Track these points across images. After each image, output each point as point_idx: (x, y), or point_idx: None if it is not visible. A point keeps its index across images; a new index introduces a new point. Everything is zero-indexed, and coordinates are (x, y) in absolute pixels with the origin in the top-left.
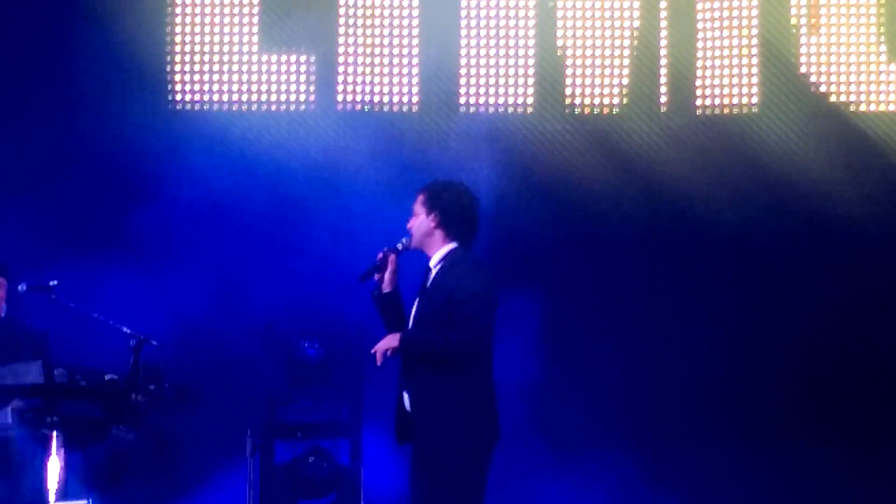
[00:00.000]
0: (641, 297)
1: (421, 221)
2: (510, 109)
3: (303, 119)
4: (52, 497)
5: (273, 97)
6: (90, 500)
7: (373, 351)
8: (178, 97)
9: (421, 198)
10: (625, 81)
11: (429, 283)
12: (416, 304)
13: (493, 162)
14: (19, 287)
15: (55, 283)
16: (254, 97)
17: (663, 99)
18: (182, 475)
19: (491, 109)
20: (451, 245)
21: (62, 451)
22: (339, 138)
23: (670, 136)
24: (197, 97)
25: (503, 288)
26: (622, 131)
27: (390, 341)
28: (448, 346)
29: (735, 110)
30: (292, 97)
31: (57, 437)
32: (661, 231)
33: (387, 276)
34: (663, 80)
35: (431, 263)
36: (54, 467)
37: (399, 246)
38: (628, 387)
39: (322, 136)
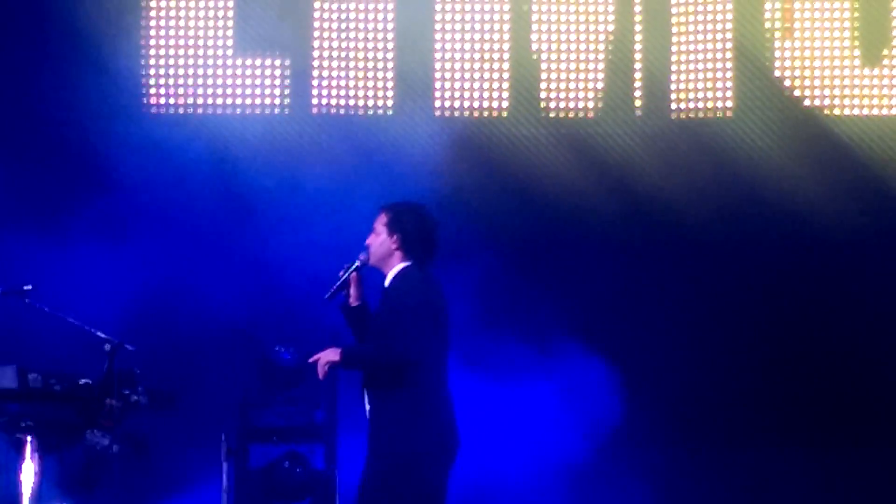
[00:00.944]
0: (615, 300)
1: (382, 241)
2: (485, 113)
3: (277, 123)
4: (26, 501)
5: (248, 101)
6: None
7: (311, 360)
8: (153, 100)
9: (384, 217)
10: (600, 85)
11: (380, 301)
12: None
13: (469, 166)
14: None
15: (29, 287)
16: (228, 101)
17: (638, 103)
18: (157, 479)
19: (466, 113)
20: (406, 263)
21: (36, 455)
22: (313, 142)
23: (645, 140)
24: (171, 101)
25: (480, 288)
26: (597, 135)
27: (331, 355)
28: (381, 356)
29: (710, 114)
30: (267, 101)
31: (31, 441)
32: (635, 234)
33: (352, 291)
34: (638, 84)
35: (386, 282)
36: (29, 472)
37: (357, 262)
38: (599, 391)
39: (297, 139)
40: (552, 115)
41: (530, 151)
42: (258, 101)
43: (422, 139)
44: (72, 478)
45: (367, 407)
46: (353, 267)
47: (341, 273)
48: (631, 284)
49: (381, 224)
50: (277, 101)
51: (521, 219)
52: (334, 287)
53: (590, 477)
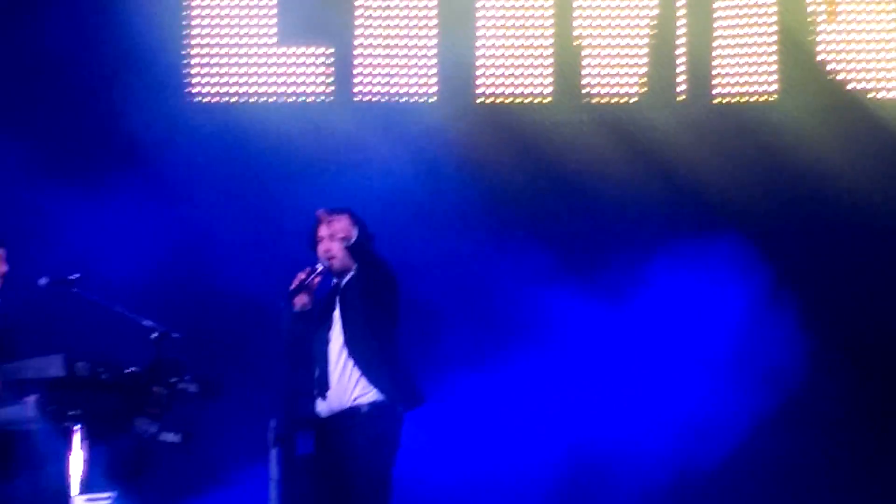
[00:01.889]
0: (658, 287)
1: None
2: (527, 100)
3: (320, 111)
4: (75, 490)
5: (291, 89)
6: (114, 493)
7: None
8: (196, 90)
9: (347, 224)
10: (642, 71)
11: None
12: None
13: (511, 153)
14: (40, 281)
15: (77, 276)
16: (271, 89)
17: (681, 88)
18: (204, 467)
19: (508, 100)
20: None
21: (85, 444)
22: (356, 130)
23: (688, 125)
24: (214, 90)
25: (521, 277)
26: (639, 121)
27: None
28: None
29: (753, 99)
30: (310, 89)
31: (79, 430)
32: (678, 220)
33: (307, 296)
34: (681, 68)
35: (345, 279)
36: (77, 460)
37: (319, 267)
38: (637, 384)
39: (339, 128)
40: (594, 100)
41: (572, 138)
42: (301, 89)
43: (464, 126)
44: (120, 466)
45: None
46: (318, 271)
47: (302, 276)
48: (673, 271)
49: (344, 231)
50: (320, 90)
51: (563, 206)
52: (299, 285)
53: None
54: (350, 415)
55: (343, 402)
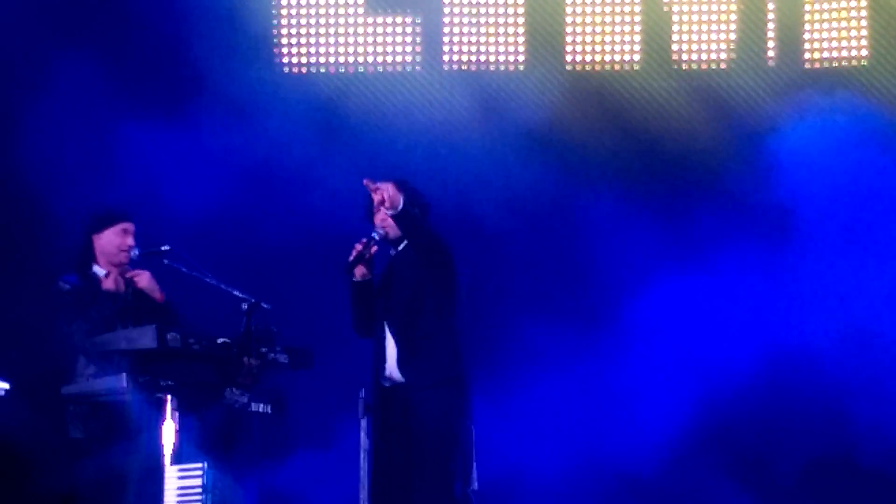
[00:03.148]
0: (751, 253)
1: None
2: (616, 66)
3: (408, 80)
4: (167, 460)
5: (379, 59)
6: (205, 464)
7: (373, 185)
8: (285, 60)
9: (390, 184)
10: (732, 36)
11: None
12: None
13: (600, 120)
14: (131, 253)
15: (167, 248)
16: (360, 59)
17: (771, 53)
18: (295, 437)
19: (597, 67)
20: None
21: (176, 414)
22: (444, 99)
23: (778, 90)
24: (303, 60)
25: (613, 242)
26: (729, 86)
27: (395, 192)
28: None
29: (844, 63)
30: (398, 58)
31: (171, 400)
32: (770, 186)
33: (367, 266)
34: (771, 34)
35: (400, 247)
36: (169, 431)
37: (375, 237)
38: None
39: (428, 97)
40: (684, 66)
41: (662, 104)
42: (389, 58)
43: (553, 94)
44: (211, 436)
45: None
46: (373, 240)
47: (359, 246)
48: (763, 239)
49: (390, 200)
50: (409, 59)
51: (653, 172)
52: (355, 257)
53: None
54: (409, 388)
55: (401, 373)
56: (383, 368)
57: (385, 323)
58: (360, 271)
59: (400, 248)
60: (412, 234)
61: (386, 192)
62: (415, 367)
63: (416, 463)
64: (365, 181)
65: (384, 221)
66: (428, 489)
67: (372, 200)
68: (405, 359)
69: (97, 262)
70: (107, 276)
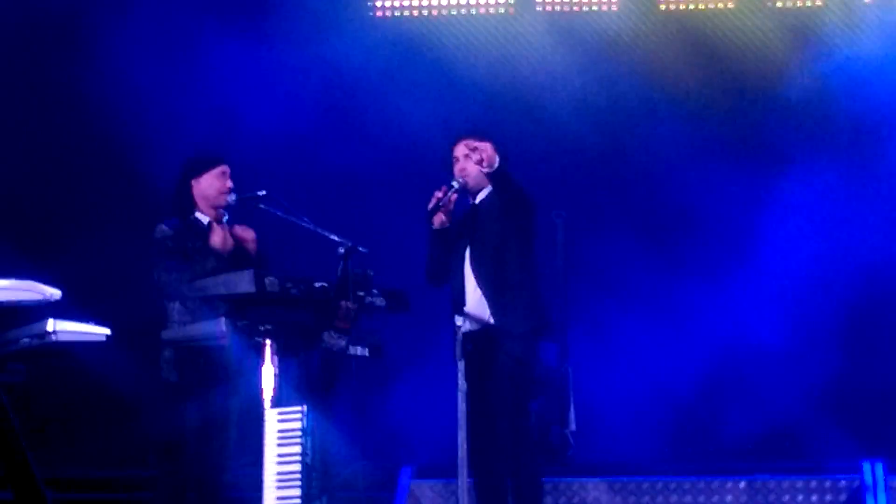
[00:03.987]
0: (856, 199)
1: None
2: (711, 5)
3: (502, 23)
4: (266, 403)
5: (472, 1)
6: (304, 407)
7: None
8: (378, 3)
9: (487, 146)
10: None
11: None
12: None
13: (694, 61)
14: (228, 198)
15: (263, 192)
16: (453, 2)
17: None
18: (392, 380)
19: (691, 6)
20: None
21: (275, 358)
22: (538, 41)
23: (876, 27)
24: (396, 3)
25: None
26: (825, 24)
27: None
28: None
29: None
30: (491, 1)
31: (270, 344)
32: (864, 125)
33: (446, 214)
34: None
35: (479, 198)
36: (268, 374)
37: (455, 185)
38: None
39: (521, 39)
40: (778, 5)
41: (757, 43)
42: (482, 1)
43: (646, 35)
44: (310, 380)
45: None
46: (454, 189)
47: (439, 194)
48: (860, 185)
49: (488, 158)
50: (502, 1)
51: (747, 113)
52: (436, 204)
53: None
54: (485, 336)
55: (479, 321)
56: (462, 314)
57: (469, 271)
58: (438, 219)
59: (479, 198)
60: (505, 190)
61: (485, 153)
62: (507, 316)
63: (495, 405)
64: (464, 141)
65: (463, 171)
66: (513, 432)
67: (451, 152)
68: (497, 308)
69: (197, 207)
70: (211, 229)
